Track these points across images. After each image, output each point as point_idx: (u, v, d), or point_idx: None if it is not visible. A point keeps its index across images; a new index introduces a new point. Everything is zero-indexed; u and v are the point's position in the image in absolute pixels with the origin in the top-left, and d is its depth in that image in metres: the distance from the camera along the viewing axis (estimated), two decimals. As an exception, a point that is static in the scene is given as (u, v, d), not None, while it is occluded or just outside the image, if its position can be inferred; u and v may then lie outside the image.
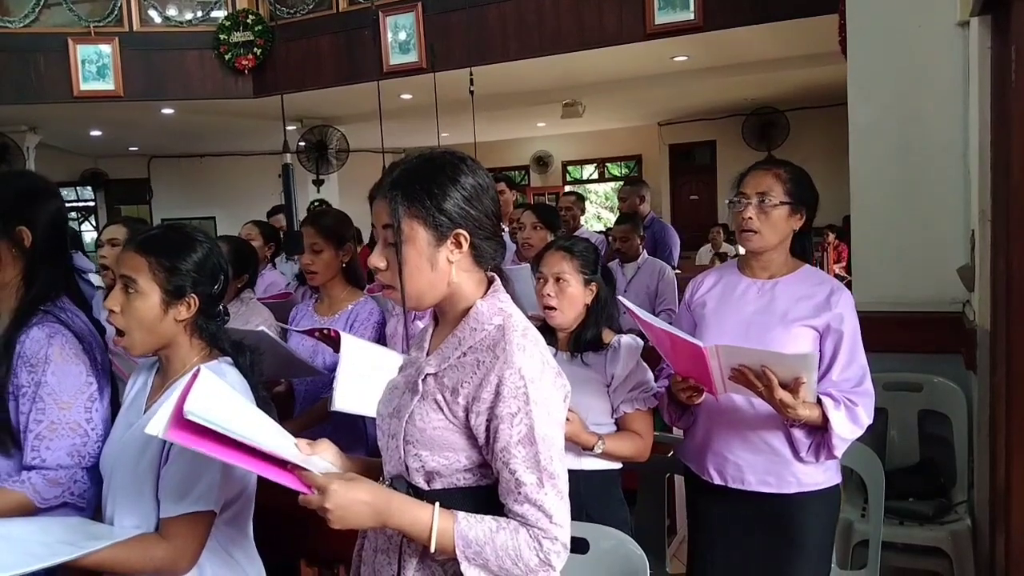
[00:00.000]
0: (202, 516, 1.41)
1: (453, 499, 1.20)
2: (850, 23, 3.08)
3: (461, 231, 1.20)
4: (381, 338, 2.57)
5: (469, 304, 1.24)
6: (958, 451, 2.82)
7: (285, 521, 1.90)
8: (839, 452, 1.87)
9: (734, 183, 2.03)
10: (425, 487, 1.22)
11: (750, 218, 1.93)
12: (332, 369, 2.42)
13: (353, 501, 1.12)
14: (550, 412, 1.18)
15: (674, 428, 2.34)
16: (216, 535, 1.46)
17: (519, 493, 1.15)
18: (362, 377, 2.07)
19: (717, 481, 1.99)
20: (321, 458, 1.25)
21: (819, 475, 1.95)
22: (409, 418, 1.22)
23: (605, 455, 2.02)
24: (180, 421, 1.12)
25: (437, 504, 1.16)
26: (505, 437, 1.15)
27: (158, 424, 1.13)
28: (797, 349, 1.90)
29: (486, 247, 1.24)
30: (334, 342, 2.21)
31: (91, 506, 1.60)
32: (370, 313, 2.59)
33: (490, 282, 1.27)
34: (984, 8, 2.38)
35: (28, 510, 1.52)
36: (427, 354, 1.28)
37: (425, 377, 1.23)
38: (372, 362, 2.13)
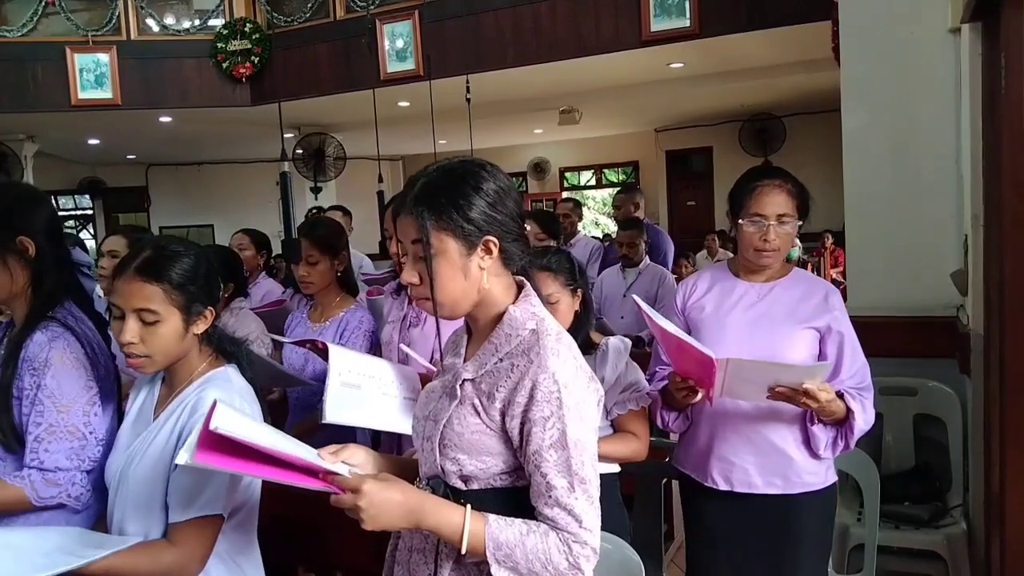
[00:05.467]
0: (210, 521, 1.42)
1: (490, 500, 1.21)
2: (843, 30, 3.10)
3: (490, 237, 1.21)
4: (373, 346, 2.57)
5: (500, 310, 1.26)
6: (953, 455, 2.82)
7: (283, 528, 1.91)
8: (853, 443, 1.91)
9: (741, 197, 1.99)
10: (463, 487, 1.23)
11: (773, 239, 1.94)
12: (322, 379, 2.43)
13: (386, 501, 1.13)
14: (583, 417, 1.19)
15: (670, 434, 2.35)
16: (223, 541, 1.47)
17: (550, 497, 1.16)
18: (352, 387, 2.07)
19: (723, 487, 1.99)
20: (347, 463, 1.26)
21: (821, 474, 1.97)
22: (447, 423, 1.23)
23: (602, 457, 2.02)
24: (206, 445, 1.14)
25: (468, 506, 1.17)
26: (537, 441, 1.16)
27: (187, 452, 1.15)
28: (800, 351, 1.93)
29: (514, 249, 1.25)
30: (324, 353, 2.22)
31: (89, 511, 1.62)
32: (360, 321, 2.60)
33: (519, 287, 1.29)
34: (975, 15, 2.40)
35: (24, 506, 1.54)
36: (464, 360, 1.30)
37: (463, 382, 1.24)
38: (362, 372, 2.13)
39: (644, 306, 1.84)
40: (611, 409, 2.07)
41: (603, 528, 1.78)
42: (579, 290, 2.10)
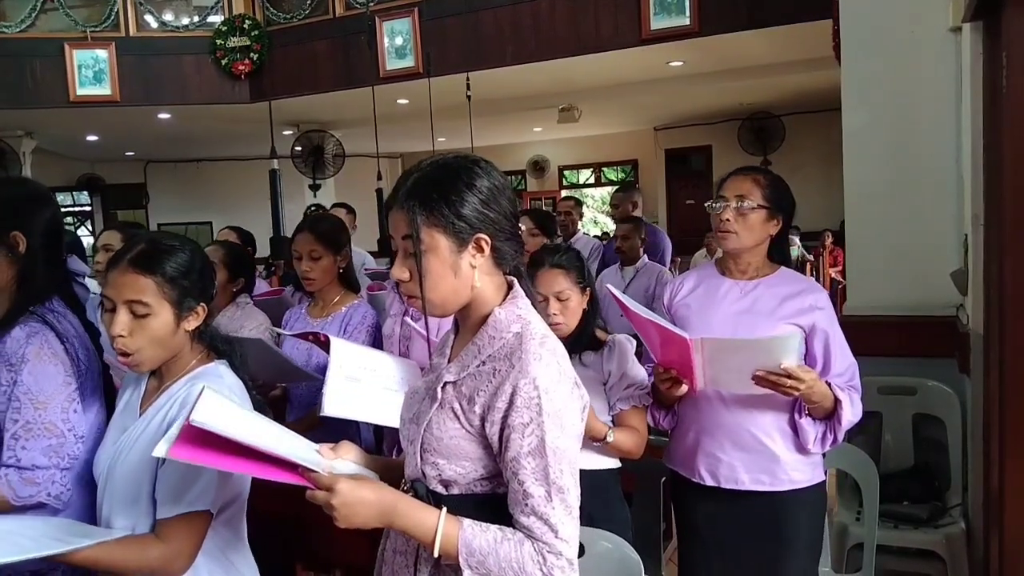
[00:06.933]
0: (198, 517, 1.41)
1: (469, 505, 1.20)
2: (844, 29, 3.09)
3: (482, 235, 1.19)
4: (376, 341, 2.57)
5: (488, 310, 1.23)
6: (952, 454, 2.82)
7: (281, 525, 1.90)
8: (841, 436, 1.93)
9: (715, 187, 2.08)
10: (444, 492, 1.22)
11: (728, 219, 1.98)
12: (324, 372, 2.43)
13: (358, 500, 1.13)
14: (563, 424, 1.16)
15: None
16: (212, 537, 1.46)
17: (526, 505, 1.14)
18: (353, 381, 2.07)
19: (709, 482, 2.00)
20: (344, 460, 1.26)
21: (808, 472, 1.98)
22: (427, 426, 1.21)
23: (612, 447, 2.03)
24: (183, 439, 1.14)
25: (444, 509, 1.16)
26: (516, 447, 1.14)
27: (163, 446, 1.15)
28: None
29: (506, 248, 1.23)
30: (326, 346, 2.22)
31: (72, 508, 1.59)
32: (364, 316, 2.59)
33: (509, 287, 1.27)
34: (976, 14, 2.39)
35: (3, 507, 1.51)
36: (448, 361, 1.28)
37: (444, 385, 1.22)
38: (363, 365, 2.12)
39: (618, 293, 1.87)
40: (614, 404, 2.09)
41: (604, 521, 1.79)
42: (588, 288, 2.12)
